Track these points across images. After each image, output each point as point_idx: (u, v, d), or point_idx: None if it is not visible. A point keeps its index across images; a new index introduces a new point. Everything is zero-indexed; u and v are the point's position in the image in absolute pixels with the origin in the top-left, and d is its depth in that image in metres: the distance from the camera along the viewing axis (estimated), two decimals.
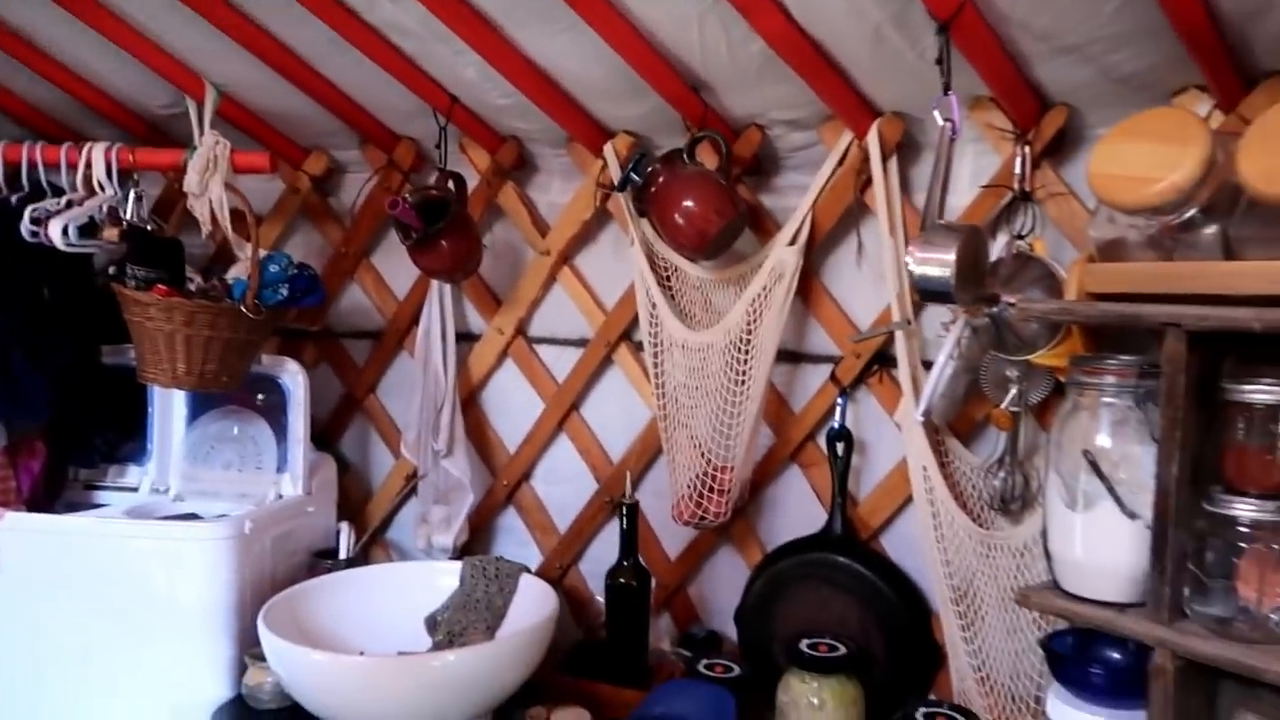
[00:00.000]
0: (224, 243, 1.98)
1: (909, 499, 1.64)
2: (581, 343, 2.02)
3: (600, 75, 1.63)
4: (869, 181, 1.62)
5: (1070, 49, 1.30)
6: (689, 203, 1.64)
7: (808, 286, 1.75)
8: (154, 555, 1.69)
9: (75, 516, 1.85)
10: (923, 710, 1.51)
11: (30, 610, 1.71)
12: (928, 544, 1.57)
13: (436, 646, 1.74)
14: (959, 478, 1.59)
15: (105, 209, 1.87)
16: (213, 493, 1.97)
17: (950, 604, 1.56)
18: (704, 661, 1.70)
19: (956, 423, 1.61)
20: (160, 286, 1.74)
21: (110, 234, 1.81)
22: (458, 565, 1.83)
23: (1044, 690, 1.37)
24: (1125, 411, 1.21)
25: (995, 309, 1.43)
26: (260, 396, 1.99)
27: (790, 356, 1.81)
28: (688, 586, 1.99)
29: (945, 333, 1.50)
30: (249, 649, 1.67)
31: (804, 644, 1.61)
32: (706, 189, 1.65)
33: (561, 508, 2.09)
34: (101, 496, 2.01)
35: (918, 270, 1.34)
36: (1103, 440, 1.22)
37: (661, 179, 1.68)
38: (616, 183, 1.78)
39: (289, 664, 1.52)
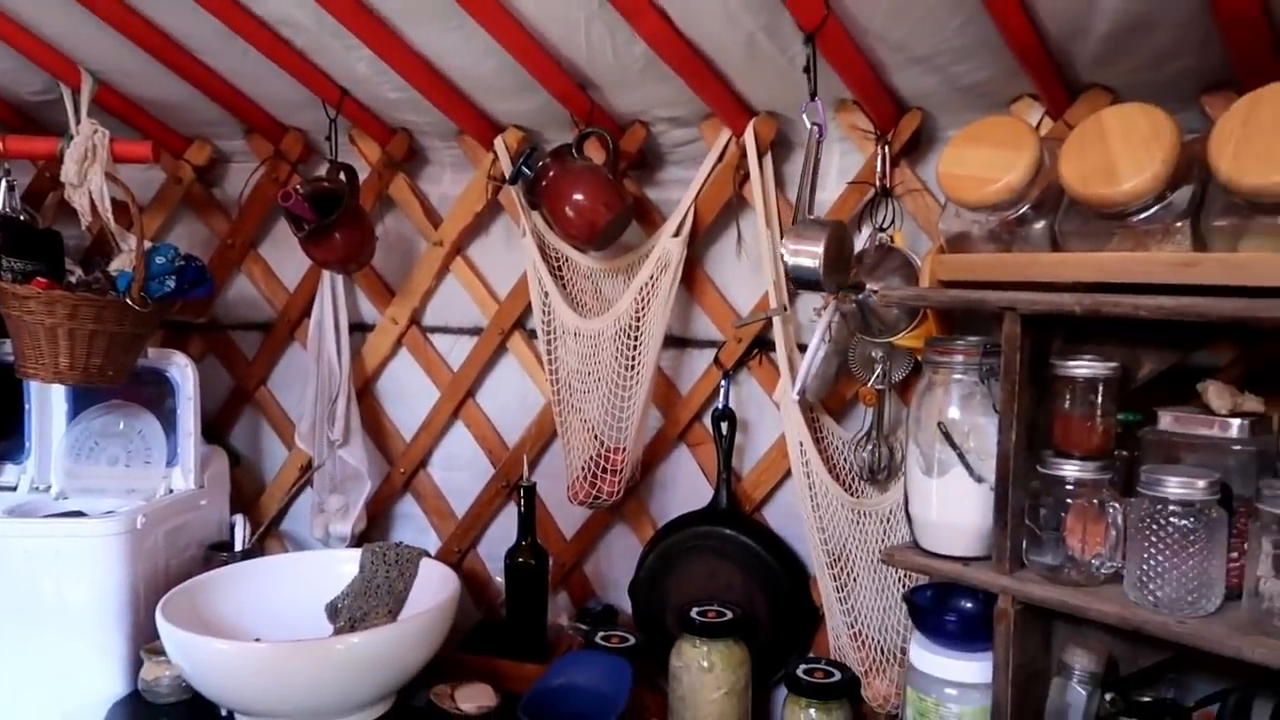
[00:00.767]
0: (101, 234, 1.94)
1: (788, 473, 1.75)
2: (475, 331, 2.06)
3: (490, 72, 1.67)
4: (747, 177, 1.72)
5: (921, 59, 1.43)
6: (578, 196, 1.71)
7: (691, 275, 1.84)
8: (43, 554, 1.66)
9: None
10: (802, 667, 1.63)
11: None
12: (805, 513, 1.68)
13: (338, 633, 1.76)
14: (832, 451, 1.71)
15: None
16: (98, 489, 1.94)
17: (826, 568, 1.67)
18: (601, 634, 1.79)
19: (829, 401, 1.73)
20: (40, 279, 1.70)
21: None
22: (357, 553, 1.85)
23: (908, 642, 1.50)
24: (972, 386, 1.34)
25: (861, 296, 1.55)
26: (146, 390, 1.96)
27: (676, 342, 1.90)
28: (584, 564, 2.07)
29: (817, 318, 1.62)
30: (144, 644, 1.67)
31: (694, 611, 1.71)
32: (595, 183, 1.72)
33: (458, 493, 2.13)
34: None
35: (791, 261, 1.44)
36: (953, 413, 1.35)
37: (552, 173, 1.74)
38: (508, 176, 1.83)
39: (191, 655, 1.53)
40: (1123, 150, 1.14)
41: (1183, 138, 1.13)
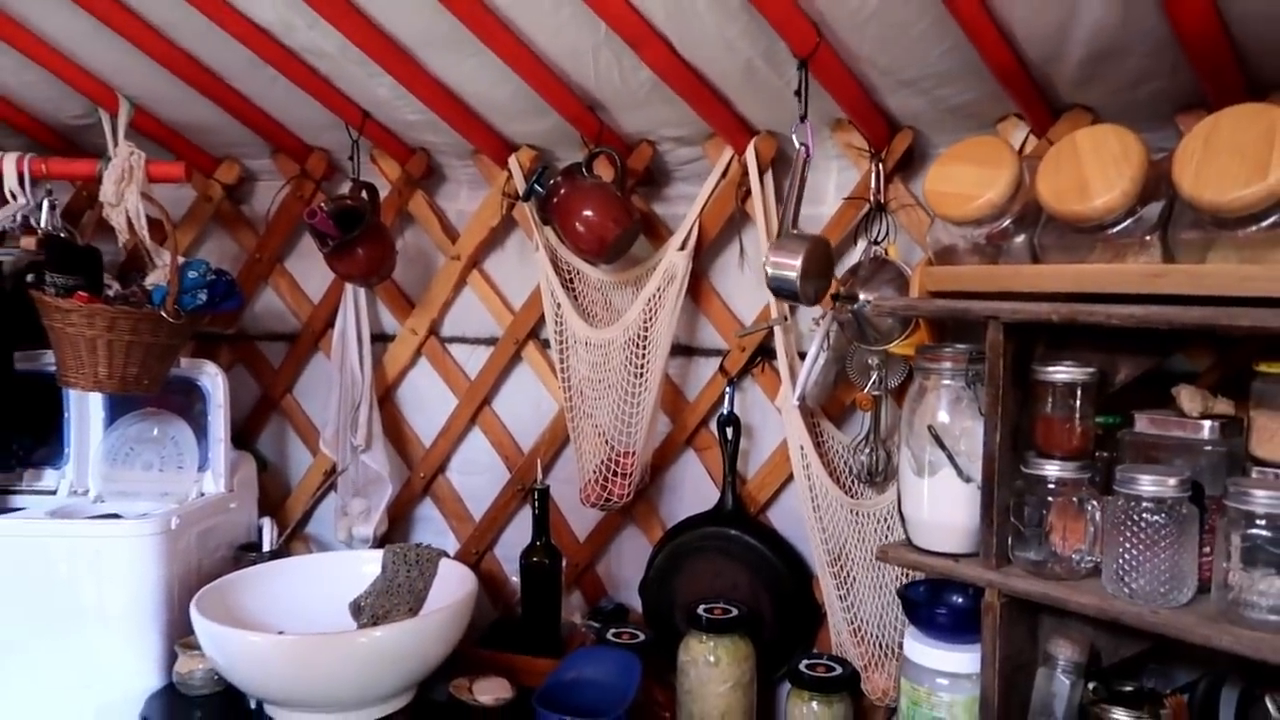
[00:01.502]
0: (136, 250, 2.02)
1: (790, 476, 1.81)
2: (491, 341, 2.14)
3: (505, 96, 1.75)
4: (748, 193, 1.78)
5: (909, 83, 1.50)
6: (588, 212, 1.79)
7: (697, 287, 1.91)
8: (83, 554, 1.75)
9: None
10: (805, 662, 1.69)
11: None
12: (807, 515, 1.74)
13: (361, 630, 1.84)
14: (832, 455, 1.76)
15: (18, 218, 1.90)
16: (133, 493, 2.01)
17: (827, 567, 1.73)
18: (612, 630, 1.84)
19: (828, 406, 1.78)
20: (81, 293, 1.78)
21: (28, 242, 1.85)
22: (379, 554, 1.91)
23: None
24: (960, 391, 1.40)
25: (856, 306, 1.62)
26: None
27: (683, 350, 1.97)
28: (596, 564, 2.13)
29: (816, 327, 1.68)
30: (179, 639, 1.75)
31: (701, 609, 1.77)
32: (604, 199, 1.80)
33: (476, 496, 2.20)
34: (17, 501, 2.02)
35: (772, 271, 1.51)
36: (943, 416, 1.41)
37: (563, 190, 1.82)
38: (521, 193, 1.90)
39: (224, 647, 1.60)
40: (1094, 168, 1.21)
41: (1152, 156, 1.20)
